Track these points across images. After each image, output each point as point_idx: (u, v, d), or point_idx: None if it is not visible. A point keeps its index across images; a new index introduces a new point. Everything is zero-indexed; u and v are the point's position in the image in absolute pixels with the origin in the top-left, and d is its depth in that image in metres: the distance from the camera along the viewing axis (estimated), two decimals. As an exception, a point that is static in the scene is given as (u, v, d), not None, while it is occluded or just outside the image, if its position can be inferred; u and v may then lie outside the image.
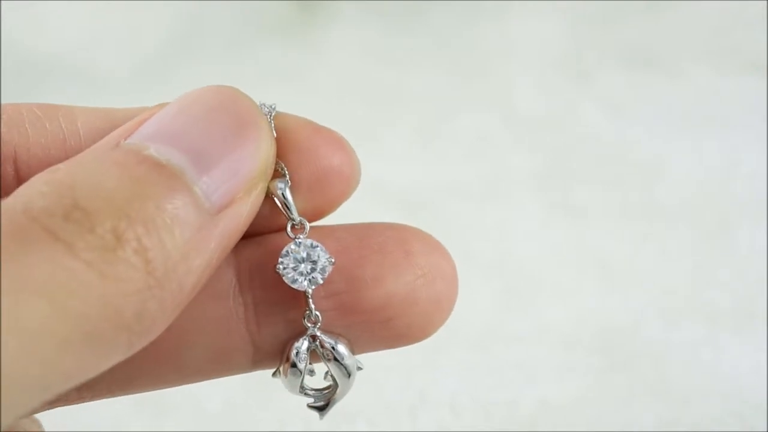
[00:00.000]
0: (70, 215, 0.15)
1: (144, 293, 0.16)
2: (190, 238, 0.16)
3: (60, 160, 0.19)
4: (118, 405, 0.38)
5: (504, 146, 0.57)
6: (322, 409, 0.22)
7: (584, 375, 0.41)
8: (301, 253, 0.20)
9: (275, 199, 0.19)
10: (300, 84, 0.63)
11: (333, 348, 0.20)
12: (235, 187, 0.17)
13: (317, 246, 0.20)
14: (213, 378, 0.21)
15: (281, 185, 0.19)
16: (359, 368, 0.21)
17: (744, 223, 0.50)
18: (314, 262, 0.20)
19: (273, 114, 0.19)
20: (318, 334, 0.20)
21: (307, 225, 0.20)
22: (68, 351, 0.15)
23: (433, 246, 0.21)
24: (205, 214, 0.17)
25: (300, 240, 0.20)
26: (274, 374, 0.21)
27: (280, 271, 0.20)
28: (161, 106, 0.18)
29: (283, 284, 0.20)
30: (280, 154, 0.19)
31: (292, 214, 0.20)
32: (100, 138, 0.19)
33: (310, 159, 0.20)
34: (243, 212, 0.18)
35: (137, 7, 0.67)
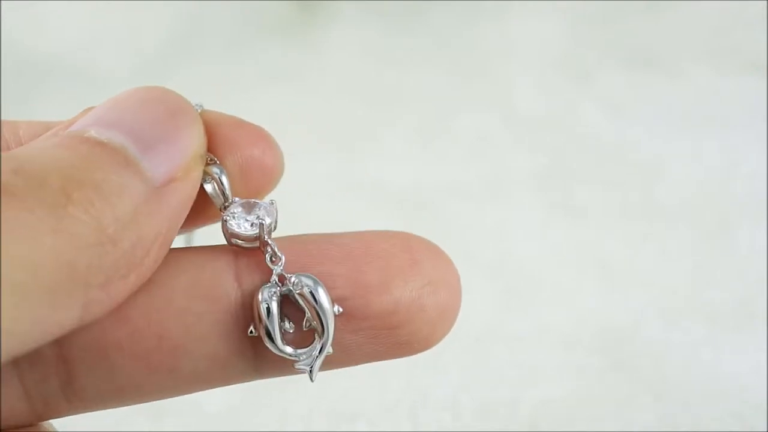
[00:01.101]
0: (20, 172, 0.16)
1: (96, 248, 0.17)
2: (138, 206, 0.18)
3: None
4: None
5: (504, 146, 0.57)
6: (311, 370, 0.21)
7: (584, 375, 0.41)
8: (236, 206, 0.20)
9: (213, 183, 0.20)
10: (300, 84, 0.63)
11: (305, 286, 0.20)
12: (175, 165, 0.19)
13: (254, 200, 0.21)
14: (213, 387, 0.21)
15: (217, 170, 0.20)
16: (339, 311, 0.20)
17: (744, 223, 0.50)
18: (253, 206, 0.20)
19: (200, 111, 0.20)
20: (285, 274, 0.20)
21: (237, 200, 0.21)
22: (24, 299, 0.15)
23: (438, 255, 0.21)
24: (149, 185, 0.18)
25: (236, 201, 0.21)
26: (250, 333, 0.20)
27: (226, 225, 0.20)
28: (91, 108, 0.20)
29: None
30: (209, 147, 0.21)
31: (226, 194, 0.20)
32: None
33: (234, 150, 0.21)
34: (185, 189, 0.19)
35: (137, 7, 0.67)
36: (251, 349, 0.20)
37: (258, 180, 0.21)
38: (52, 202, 0.16)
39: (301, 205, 0.48)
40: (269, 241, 0.20)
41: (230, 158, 0.21)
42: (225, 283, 0.20)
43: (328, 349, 0.20)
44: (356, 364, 0.21)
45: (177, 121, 0.19)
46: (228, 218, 0.20)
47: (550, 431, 0.38)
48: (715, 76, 0.61)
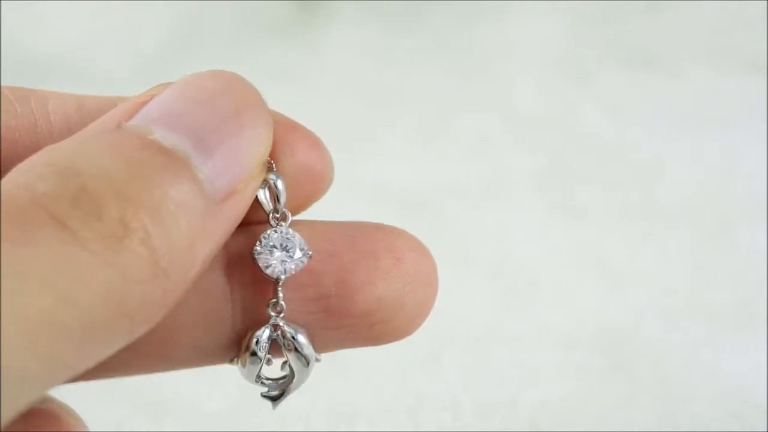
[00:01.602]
0: (77, 201, 0.15)
1: (149, 283, 0.15)
2: (194, 227, 0.16)
3: (29, 145, 0.18)
4: (117, 405, 0.38)
5: (504, 146, 0.57)
6: (275, 399, 0.22)
7: (584, 375, 0.41)
8: (278, 240, 0.20)
9: (265, 190, 0.19)
10: (300, 84, 0.63)
11: (293, 338, 0.20)
12: (238, 174, 0.17)
13: (295, 235, 0.20)
14: (200, 366, 0.21)
15: (273, 176, 0.19)
16: (317, 360, 0.21)
17: (744, 223, 0.50)
18: (289, 251, 0.20)
19: None
20: (281, 323, 0.20)
21: (290, 216, 0.20)
22: (70, 341, 0.14)
23: (421, 252, 0.21)
24: (209, 201, 0.16)
25: (281, 227, 0.20)
26: (231, 361, 0.21)
27: (256, 255, 0.19)
28: (159, 87, 0.18)
29: (270, 284, 0.20)
30: None
31: (280, 204, 0.20)
32: (69, 125, 0.19)
33: (289, 155, 0.19)
34: (244, 200, 0.17)
35: (137, 7, 0.67)
36: (235, 342, 0.20)
37: (308, 189, 0.20)
38: (109, 234, 0.15)
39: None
40: (280, 292, 0.20)
41: (284, 163, 0.19)
42: (215, 276, 0.20)
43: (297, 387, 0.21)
44: (326, 351, 0.21)
45: (244, 121, 0.17)
46: (263, 252, 0.19)
47: (550, 431, 0.38)
48: (715, 76, 0.61)
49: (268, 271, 0.19)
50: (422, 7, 0.69)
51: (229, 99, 0.17)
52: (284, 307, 0.20)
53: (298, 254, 0.20)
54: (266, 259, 0.19)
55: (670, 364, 0.41)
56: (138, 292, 0.15)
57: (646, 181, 0.53)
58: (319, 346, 0.21)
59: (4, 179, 0.15)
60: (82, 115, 0.19)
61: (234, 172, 0.17)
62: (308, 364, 0.21)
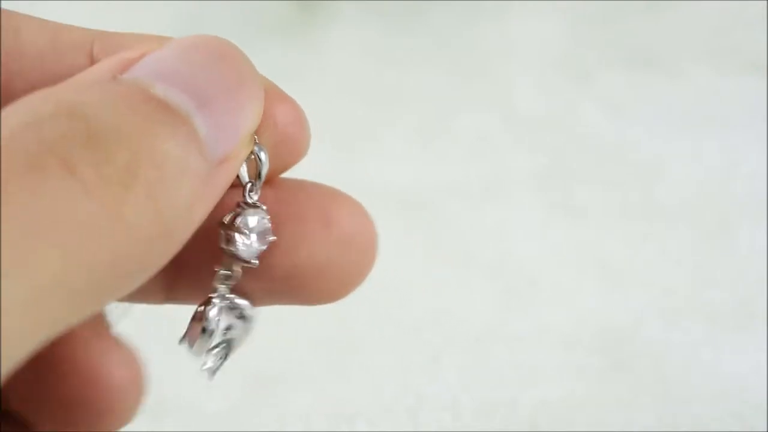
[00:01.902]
0: (87, 143, 0.14)
1: (152, 242, 0.14)
2: (195, 190, 0.15)
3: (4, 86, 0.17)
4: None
5: (504, 146, 0.57)
6: (215, 371, 0.20)
7: (584, 375, 0.41)
8: (255, 224, 0.19)
9: (246, 163, 0.19)
10: (300, 84, 0.62)
11: (241, 307, 0.19)
12: (233, 141, 0.16)
13: (268, 219, 0.19)
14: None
15: (256, 148, 0.18)
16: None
17: (744, 223, 0.50)
18: (265, 236, 0.19)
19: None
20: (232, 296, 0.19)
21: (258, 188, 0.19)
22: (72, 303, 0.14)
23: (357, 216, 0.20)
24: (208, 166, 0.16)
25: (260, 210, 0.19)
26: (180, 341, 0.20)
27: (230, 232, 0.19)
28: (149, 43, 0.17)
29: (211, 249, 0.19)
30: None
31: (261, 178, 0.19)
32: (43, 61, 0.18)
33: (271, 126, 0.19)
34: (235, 168, 0.17)
35: (137, 7, 0.67)
36: (166, 278, 0.19)
37: (284, 160, 0.20)
38: (117, 182, 0.14)
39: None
40: (237, 267, 0.19)
41: (267, 134, 0.19)
42: None
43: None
44: (256, 307, 0.20)
45: (245, 90, 0.17)
46: (238, 236, 0.19)
47: (550, 431, 0.38)
48: (715, 76, 0.61)
49: (237, 251, 0.19)
50: (422, 7, 0.69)
51: (231, 65, 0.17)
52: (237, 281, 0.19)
53: (266, 240, 0.19)
54: (241, 239, 0.19)
55: (670, 364, 0.41)
56: (139, 250, 0.14)
57: (646, 181, 0.53)
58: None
59: (3, 118, 0.14)
60: (56, 49, 0.18)
61: (232, 138, 0.16)
62: (251, 328, 0.20)
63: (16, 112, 0.14)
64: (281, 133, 0.19)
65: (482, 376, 0.41)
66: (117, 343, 0.18)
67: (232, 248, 0.19)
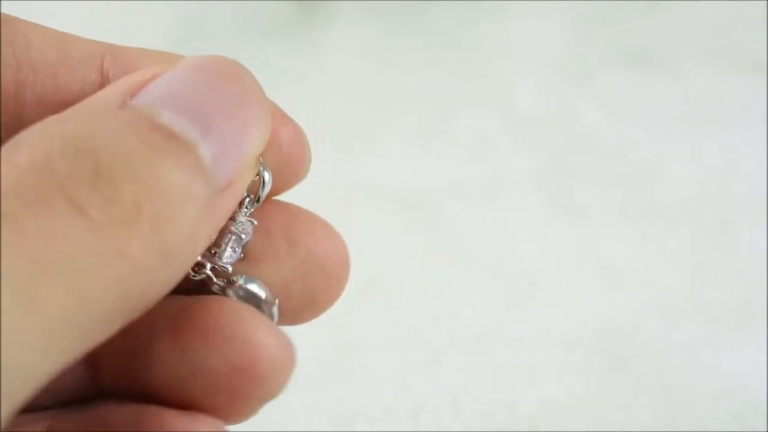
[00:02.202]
0: (95, 182, 0.14)
1: (155, 271, 0.15)
2: (198, 217, 0.16)
3: (12, 94, 0.18)
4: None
5: (504, 146, 0.57)
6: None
7: (584, 375, 0.41)
8: (245, 233, 0.19)
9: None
10: (300, 84, 0.63)
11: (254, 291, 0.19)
12: (238, 166, 0.17)
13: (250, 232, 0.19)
14: None
15: (261, 168, 0.19)
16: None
17: (744, 223, 0.50)
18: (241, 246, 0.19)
19: None
20: (239, 280, 0.19)
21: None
22: (78, 336, 0.14)
23: (327, 237, 0.20)
24: (211, 192, 0.16)
25: (252, 223, 0.19)
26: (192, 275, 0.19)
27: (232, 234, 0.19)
28: (160, 65, 0.18)
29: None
30: None
31: (262, 194, 0.19)
32: (54, 73, 0.18)
33: (274, 149, 0.19)
34: (239, 191, 0.17)
35: (137, 7, 0.67)
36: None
37: (284, 181, 0.20)
38: (123, 219, 0.14)
39: (300, 205, 0.48)
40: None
41: (269, 156, 0.19)
42: None
43: None
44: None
45: (250, 112, 0.17)
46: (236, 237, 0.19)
47: (550, 431, 0.38)
48: (715, 76, 0.61)
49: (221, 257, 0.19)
50: (422, 7, 0.69)
51: (238, 88, 0.17)
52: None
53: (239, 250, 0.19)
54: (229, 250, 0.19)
55: (670, 364, 0.41)
56: (144, 280, 0.15)
57: (646, 181, 0.53)
58: None
59: (11, 149, 0.14)
60: (67, 62, 0.18)
61: (235, 163, 0.17)
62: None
63: (24, 147, 0.15)
64: (284, 155, 0.19)
65: (482, 376, 0.41)
66: (259, 313, 0.18)
67: (215, 249, 0.19)
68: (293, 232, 0.20)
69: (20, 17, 0.19)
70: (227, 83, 0.17)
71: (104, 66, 0.19)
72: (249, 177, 0.18)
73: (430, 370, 0.41)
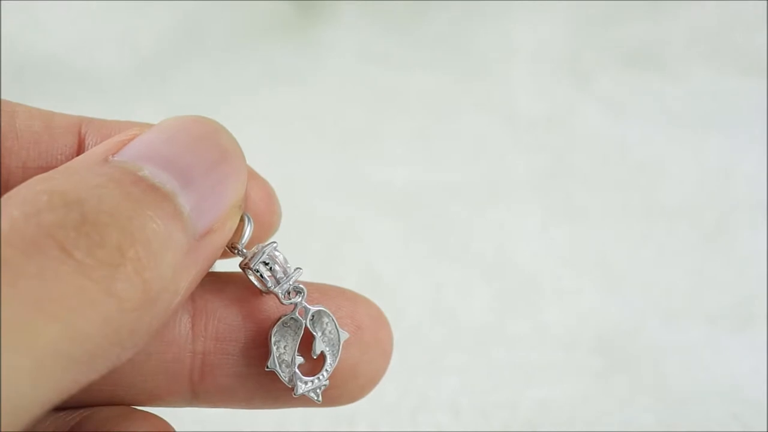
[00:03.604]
0: (82, 229, 0.16)
1: (140, 311, 0.16)
2: (179, 261, 0.17)
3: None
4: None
5: (504, 147, 0.57)
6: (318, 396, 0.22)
7: (584, 376, 0.41)
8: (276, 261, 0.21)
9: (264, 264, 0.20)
10: (300, 84, 0.63)
11: (324, 316, 0.21)
12: (217, 215, 0.18)
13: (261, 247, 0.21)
14: (157, 407, 0.22)
15: (243, 214, 0.20)
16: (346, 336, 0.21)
17: (744, 224, 0.50)
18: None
19: None
20: (306, 305, 0.21)
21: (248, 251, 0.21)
22: (71, 370, 0.15)
23: (380, 321, 0.22)
24: (191, 238, 0.17)
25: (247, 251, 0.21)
26: (267, 367, 0.21)
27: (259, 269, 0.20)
28: (139, 127, 0.19)
29: (236, 340, 0.20)
30: None
31: (243, 242, 0.20)
32: (37, 141, 0.20)
33: (247, 203, 0.21)
34: (221, 240, 0.19)
35: (136, 7, 0.67)
36: (190, 391, 0.21)
37: (257, 233, 0.21)
38: (109, 261, 0.16)
39: (301, 206, 0.48)
40: (291, 276, 0.21)
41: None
42: (180, 327, 0.20)
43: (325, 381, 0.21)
44: (281, 407, 0.22)
45: (227, 167, 0.18)
46: (258, 266, 0.20)
47: (550, 431, 0.38)
48: (715, 76, 0.61)
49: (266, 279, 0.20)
50: (422, 8, 0.69)
51: (215, 145, 0.18)
52: (305, 291, 0.21)
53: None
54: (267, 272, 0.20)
55: (670, 364, 0.41)
56: (130, 320, 0.16)
57: (646, 181, 0.53)
58: (276, 405, 0.21)
59: (3, 204, 0.16)
60: (51, 132, 0.20)
61: (214, 213, 0.18)
62: (339, 341, 0.21)
63: (16, 202, 0.16)
64: (253, 210, 0.21)
65: (482, 376, 0.41)
66: None
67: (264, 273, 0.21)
68: (355, 317, 0.22)
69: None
70: (205, 141, 0.18)
71: (81, 131, 0.20)
72: (231, 223, 0.19)
73: (430, 370, 0.41)
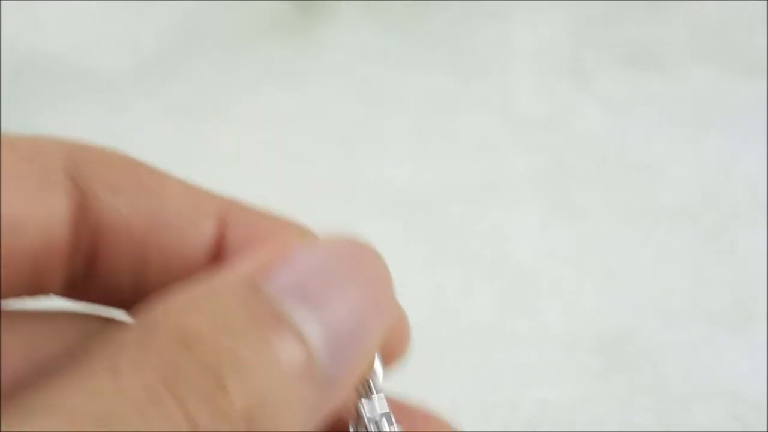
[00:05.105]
0: (214, 398, 0.14)
1: None
2: (305, 422, 0.15)
3: (140, 243, 0.17)
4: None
5: (504, 146, 0.57)
6: None
7: (584, 376, 0.41)
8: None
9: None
10: (300, 84, 0.63)
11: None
12: (353, 372, 0.16)
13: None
14: None
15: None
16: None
17: (744, 224, 0.50)
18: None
19: None
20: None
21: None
22: None
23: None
24: (323, 398, 0.15)
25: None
26: None
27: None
28: (288, 228, 0.17)
29: None
30: None
31: (372, 389, 0.19)
32: (187, 227, 0.17)
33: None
34: (348, 391, 0.16)
35: (137, 7, 0.67)
36: None
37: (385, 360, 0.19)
38: (228, 420, 0.13)
39: (301, 206, 0.48)
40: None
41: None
42: None
43: None
44: None
45: (380, 319, 0.16)
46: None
47: (550, 431, 0.38)
48: (715, 76, 0.61)
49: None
50: (422, 7, 0.69)
51: (373, 293, 0.16)
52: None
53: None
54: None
55: (670, 364, 0.41)
56: None
57: (646, 181, 0.53)
58: None
59: (143, 330, 0.14)
60: (200, 214, 0.18)
61: (352, 372, 0.16)
62: None
63: (153, 338, 0.14)
64: (387, 351, 0.19)
65: (482, 376, 0.41)
66: None
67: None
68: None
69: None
70: (364, 286, 0.16)
71: (222, 217, 0.18)
72: (360, 377, 0.17)
73: (429, 371, 0.41)
